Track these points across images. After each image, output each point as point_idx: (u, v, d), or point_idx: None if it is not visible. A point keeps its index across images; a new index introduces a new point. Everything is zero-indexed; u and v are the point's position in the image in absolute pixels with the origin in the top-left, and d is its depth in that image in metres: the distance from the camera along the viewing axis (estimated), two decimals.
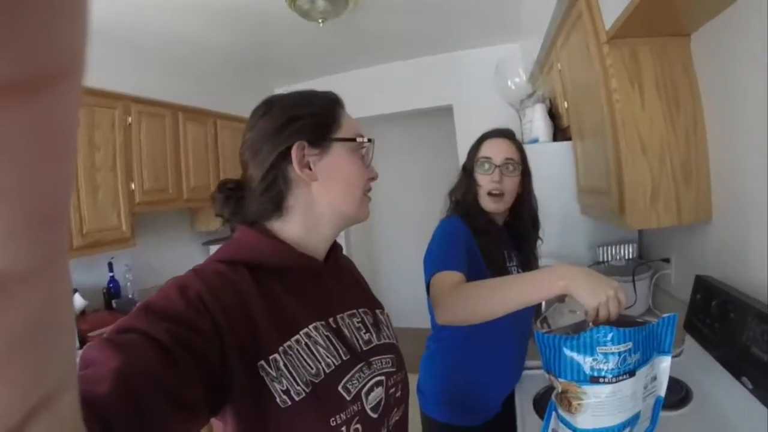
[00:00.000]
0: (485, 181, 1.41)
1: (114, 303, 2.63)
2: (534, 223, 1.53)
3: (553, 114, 2.52)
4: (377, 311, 0.87)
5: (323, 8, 2.38)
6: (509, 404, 1.49)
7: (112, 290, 2.68)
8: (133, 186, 2.61)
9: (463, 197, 1.45)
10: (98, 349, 0.52)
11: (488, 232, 1.41)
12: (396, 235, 5.14)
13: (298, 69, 3.72)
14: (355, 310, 0.81)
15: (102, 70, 2.41)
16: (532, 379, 1.54)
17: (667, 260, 1.99)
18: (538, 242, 1.57)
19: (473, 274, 1.23)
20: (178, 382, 0.53)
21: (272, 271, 0.72)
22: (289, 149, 0.74)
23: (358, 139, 0.80)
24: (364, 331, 0.79)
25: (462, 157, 3.49)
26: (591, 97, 1.75)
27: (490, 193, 1.41)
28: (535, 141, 2.46)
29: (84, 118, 2.34)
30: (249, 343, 0.63)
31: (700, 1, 1.26)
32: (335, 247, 0.87)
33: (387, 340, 0.83)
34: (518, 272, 1.49)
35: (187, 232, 3.50)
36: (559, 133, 2.49)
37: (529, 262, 1.55)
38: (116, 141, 2.52)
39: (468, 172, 1.47)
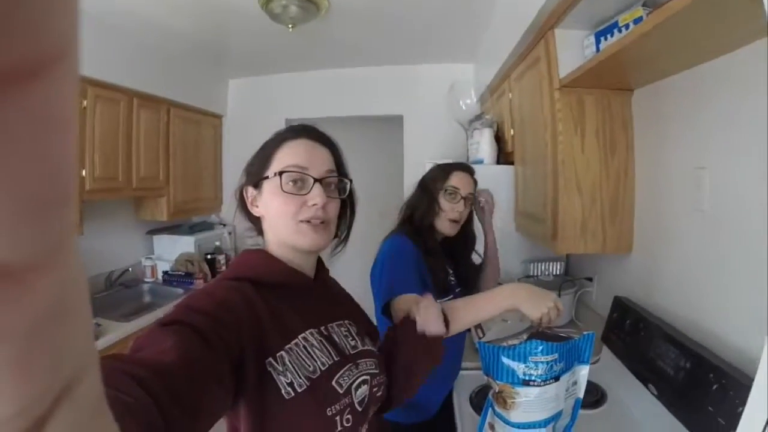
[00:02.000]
0: (449, 208, 1.59)
1: None
2: (468, 241, 1.74)
3: (498, 137, 2.70)
4: (359, 324, 0.98)
5: (294, 14, 2.42)
6: (448, 401, 1.67)
7: None
8: (84, 173, 2.54)
9: (422, 217, 1.60)
10: (152, 334, 0.63)
11: (437, 252, 1.58)
12: None
13: (257, 64, 3.73)
14: (342, 321, 0.92)
15: None
16: (469, 378, 1.72)
17: (590, 279, 2.23)
18: (477, 258, 1.78)
19: (421, 290, 1.40)
20: (217, 363, 0.64)
21: (271, 286, 0.84)
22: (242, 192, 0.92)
23: (271, 176, 0.85)
24: (350, 338, 0.90)
25: (409, 165, 3.64)
26: (537, 132, 1.93)
27: (450, 219, 1.58)
28: (480, 162, 2.63)
29: None
30: (257, 344, 0.73)
31: (646, 70, 1.46)
32: (322, 268, 1.00)
33: (369, 347, 0.94)
34: (455, 284, 1.68)
35: (131, 221, 3.41)
36: (502, 156, 2.67)
37: (468, 273, 1.75)
38: None
39: (430, 194, 1.62)
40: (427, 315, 1.05)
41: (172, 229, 3.65)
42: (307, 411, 0.74)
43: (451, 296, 1.66)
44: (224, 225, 3.99)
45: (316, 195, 0.84)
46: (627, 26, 1.43)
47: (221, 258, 3.60)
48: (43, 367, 0.16)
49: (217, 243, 3.72)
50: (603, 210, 1.73)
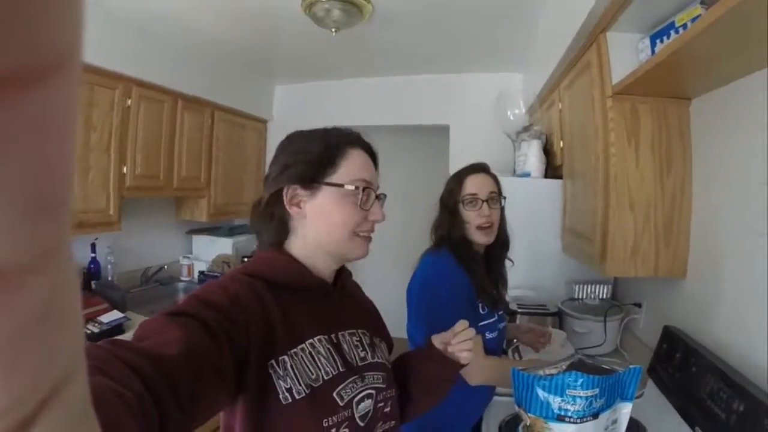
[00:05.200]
0: (473, 216, 1.48)
1: (93, 284, 2.60)
2: (505, 246, 1.61)
3: (546, 150, 2.57)
4: (375, 336, 0.95)
5: (338, 18, 2.40)
6: (477, 428, 1.56)
7: (93, 271, 2.65)
8: (125, 170, 2.58)
9: (449, 234, 1.50)
10: (158, 322, 0.64)
11: (479, 266, 1.48)
12: (379, 243, 5.10)
13: (302, 70, 3.74)
14: (355, 330, 0.90)
15: (107, 49, 2.39)
16: (500, 405, 1.59)
17: (638, 305, 2.06)
18: (508, 263, 1.65)
19: (468, 307, 1.38)
20: (221, 360, 0.65)
21: (286, 288, 0.83)
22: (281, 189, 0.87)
23: (347, 186, 0.85)
24: (360, 348, 0.88)
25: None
26: (587, 144, 1.81)
27: (479, 227, 1.47)
28: (527, 175, 2.51)
29: (84, 97, 2.31)
30: (264, 344, 0.73)
31: (707, 74, 1.33)
32: (343, 272, 0.97)
33: (380, 360, 0.91)
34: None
35: (171, 220, 3.47)
36: (551, 169, 2.54)
37: (498, 280, 1.62)
38: (113, 123, 2.49)
39: (451, 208, 1.52)
40: (462, 344, 1.06)
41: (212, 230, 3.70)
42: (303, 418, 0.73)
43: (500, 312, 1.57)
44: None
45: (378, 213, 0.88)
46: (685, 26, 1.31)
47: None
48: (29, 370, 0.16)
49: (255, 247, 3.72)
50: (657, 230, 1.58)
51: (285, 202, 0.86)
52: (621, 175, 1.57)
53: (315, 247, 0.88)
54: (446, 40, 2.92)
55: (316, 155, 0.86)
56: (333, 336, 0.84)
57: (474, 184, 1.51)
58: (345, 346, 0.85)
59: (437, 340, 1.09)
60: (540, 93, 2.68)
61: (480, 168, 1.57)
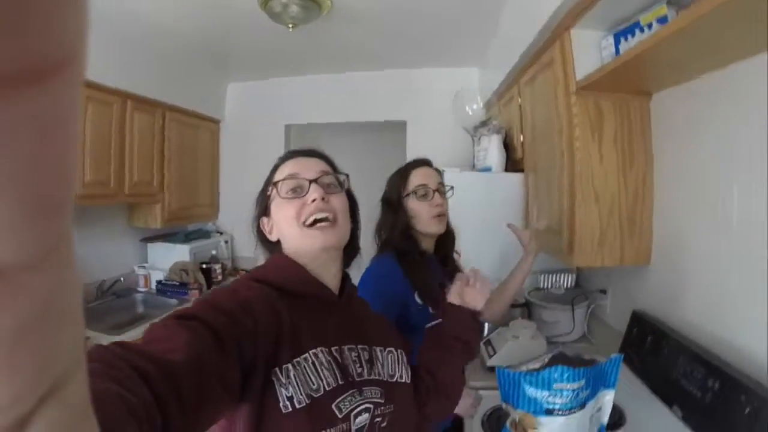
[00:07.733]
0: (426, 207, 1.46)
1: None
2: (452, 238, 1.62)
3: (506, 144, 2.60)
4: (377, 349, 0.94)
5: (295, 13, 2.34)
6: (459, 421, 1.57)
7: None
8: None
9: (390, 232, 1.48)
10: (167, 327, 0.63)
11: (423, 266, 1.46)
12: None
13: (257, 67, 3.64)
14: (354, 346, 0.89)
15: None
16: (482, 399, 1.60)
17: (603, 292, 2.14)
18: (456, 256, 1.65)
19: (413, 312, 1.36)
20: (227, 367, 0.65)
21: (294, 295, 0.85)
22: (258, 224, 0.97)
23: (270, 191, 0.92)
24: (358, 364, 0.87)
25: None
26: (551, 139, 1.84)
27: (435, 216, 1.46)
28: (488, 170, 2.54)
29: None
30: (271, 350, 0.73)
31: (670, 72, 1.38)
32: (349, 284, 0.99)
33: (376, 377, 0.89)
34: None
35: (123, 227, 3.30)
36: (510, 163, 2.58)
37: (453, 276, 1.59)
38: None
39: (395, 205, 1.50)
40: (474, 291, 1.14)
41: (167, 236, 3.55)
42: (301, 428, 0.73)
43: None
44: (221, 233, 3.88)
45: (312, 192, 0.87)
46: (650, 25, 1.36)
47: (217, 267, 3.49)
48: (28, 367, 0.16)
49: (214, 252, 3.61)
50: (621, 222, 1.64)
51: (266, 234, 0.95)
52: (586, 169, 1.62)
53: (298, 256, 0.90)
54: (404, 34, 2.91)
55: (266, 182, 0.96)
56: (335, 349, 0.84)
57: (422, 177, 1.50)
58: (345, 360, 0.85)
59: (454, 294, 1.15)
60: (498, 88, 2.71)
61: (423, 162, 1.56)
